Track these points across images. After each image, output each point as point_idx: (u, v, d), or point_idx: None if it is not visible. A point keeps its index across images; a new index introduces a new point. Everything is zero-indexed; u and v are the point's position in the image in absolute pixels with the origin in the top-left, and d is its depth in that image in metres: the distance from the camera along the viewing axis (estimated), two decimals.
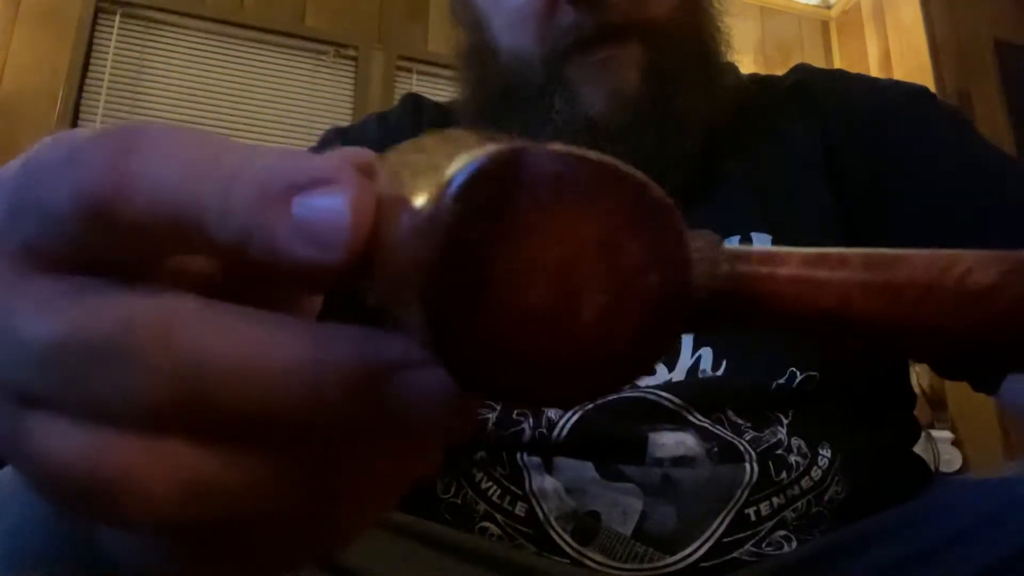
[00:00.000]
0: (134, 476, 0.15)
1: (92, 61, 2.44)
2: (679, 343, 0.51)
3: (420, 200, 0.14)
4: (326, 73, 2.69)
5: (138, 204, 0.15)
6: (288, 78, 2.64)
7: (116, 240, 0.16)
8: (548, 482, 0.49)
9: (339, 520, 0.18)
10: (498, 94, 0.57)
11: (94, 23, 2.46)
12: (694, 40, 0.56)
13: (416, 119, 0.65)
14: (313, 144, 0.65)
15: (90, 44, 2.44)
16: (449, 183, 0.13)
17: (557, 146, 0.14)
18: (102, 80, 2.43)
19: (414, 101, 0.67)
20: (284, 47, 2.67)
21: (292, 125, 2.57)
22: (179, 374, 0.14)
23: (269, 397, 0.15)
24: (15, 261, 0.16)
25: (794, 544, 0.47)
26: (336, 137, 0.65)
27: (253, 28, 2.63)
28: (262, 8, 2.65)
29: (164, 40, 2.55)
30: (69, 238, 0.16)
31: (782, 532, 0.47)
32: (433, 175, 0.14)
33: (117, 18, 2.49)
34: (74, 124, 2.35)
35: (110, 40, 2.47)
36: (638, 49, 0.52)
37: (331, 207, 0.15)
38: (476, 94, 0.60)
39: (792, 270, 0.16)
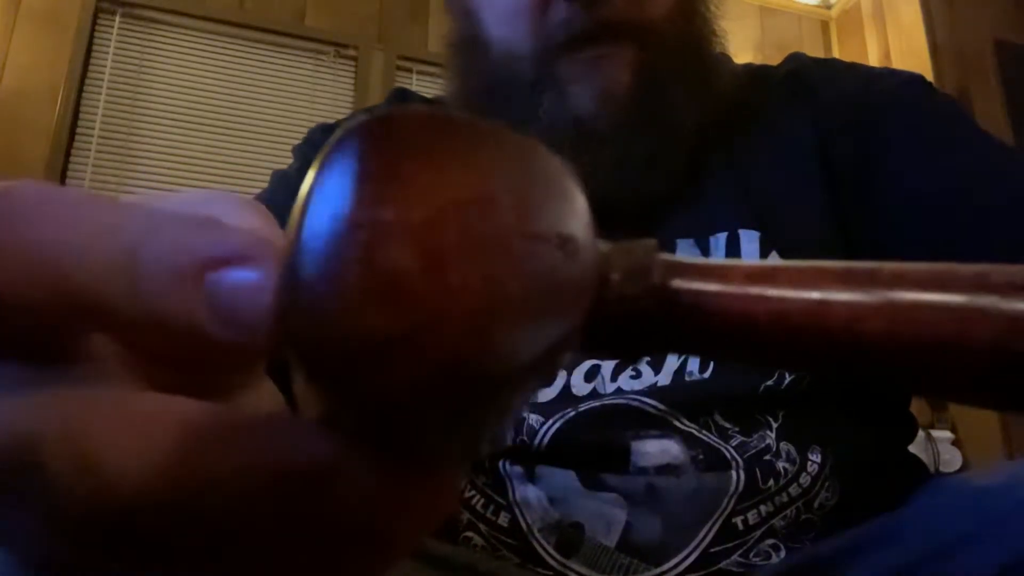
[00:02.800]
0: None
1: (92, 61, 2.44)
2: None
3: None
4: (326, 73, 2.69)
5: (17, 286, 0.14)
6: (288, 78, 2.64)
7: (7, 325, 0.14)
8: (531, 491, 0.48)
9: None
10: (486, 88, 0.56)
11: (94, 23, 2.46)
12: (689, 42, 0.56)
13: None
14: (301, 143, 0.64)
15: (90, 44, 2.44)
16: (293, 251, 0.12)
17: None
18: (102, 80, 2.43)
19: (400, 96, 0.67)
20: (284, 47, 2.66)
21: (292, 125, 2.56)
22: (91, 491, 0.13)
23: (185, 509, 0.13)
24: None
25: (783, 553, 0.47)
26: (322, 135, 0.64)
27: (253, 28, 2.62)
28: (262, 8, 2.65)
29: (164, 40, 2.55)
30: None
31: (770, 541, 0.47)
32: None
33: (117, 18, 2.49)
34: (74, 124, 2.35)
35: (110, 40, 2.47)
36: (631, 49, 0.52)
37: (244, 286, 0.14)
38: (464, 87, 0.60)
39: (736, 287, 0.14)
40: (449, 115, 0.13)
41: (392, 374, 0.11)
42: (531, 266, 0.12)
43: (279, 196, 0.57)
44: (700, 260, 0.15)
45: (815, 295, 0.14)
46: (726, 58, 0.61)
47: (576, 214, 0.13)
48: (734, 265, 0.15)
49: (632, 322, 0.14)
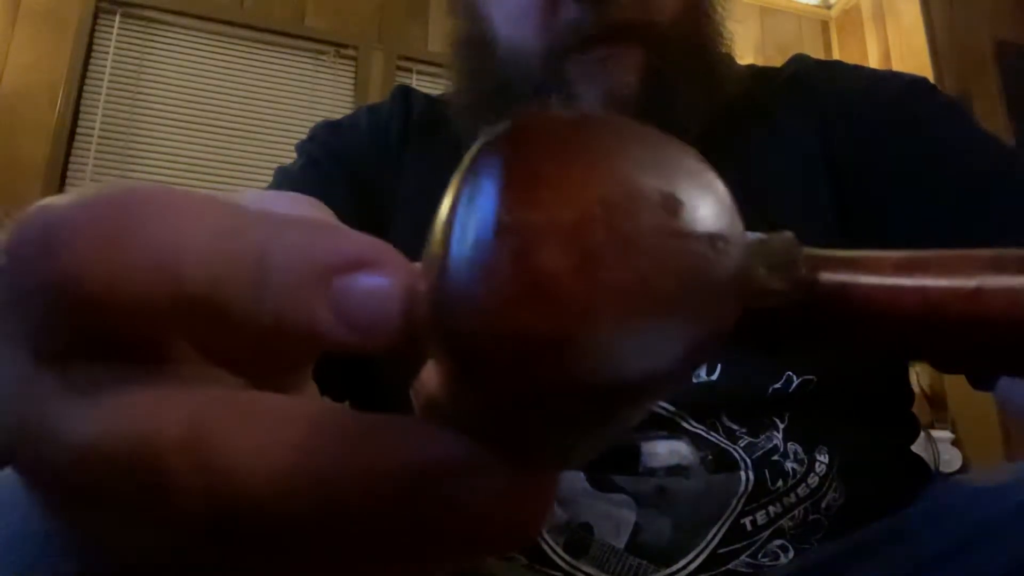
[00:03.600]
0: None
1: (92, 61, 2.44)
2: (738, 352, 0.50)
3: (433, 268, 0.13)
4: (326, 73, 2.69)
5: (139, 290, 0.13)
6: (288, 78, 2.64)
7: (122, 327, 0.14)
8: None
9: None
10: (493, 88, 0.56)
11: (94, 23, 2.45)
12: (696, 45, 0.55)
13: (406, 111, 0.64)
14: (305, 140, 0.64)
15: (90, 44, 2.44)
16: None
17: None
18: (102, 80, 2.43)
19: (404, 93, 0.66)
20: (284, 47, 2.66)
21: (292, 125, 2.56)
22: (211, 492, 0.13)
23: (309, 509, 0.13)
24: (26, 351, 0.14)
25: (791, 554, 0.47)
26: (327, 132, 0.64)
27: (253, 28, 2.62)
28: (262, 8, 2.65)
29: (164, 40, 2.55)
30: (69, 328, 0.14)
31: (779, 542, 0.47)
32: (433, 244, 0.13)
33: (117, 18, 2.49)
34: (74, 124, 2.35)
35: (110, 40, 2.47)
36: (639, 51, 0.52)
37: (373, 291, 0.14)
38: (470, 87, 0.59)
39: (885, 277, 0.14)
40: (589, 114, 0.13)
41: (546, 372, 0.12)
42: (683, 264, 0.12)
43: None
44: (844, 252, 0.15)
45: (971, 283, 0.14)
46: (731, 59, 0.61)
47: (723, 209, 0.13)
48: (881, 256, 0.15)
49: (777, 317, 0.14)
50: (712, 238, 0.12)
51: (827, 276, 0.14)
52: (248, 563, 0.14)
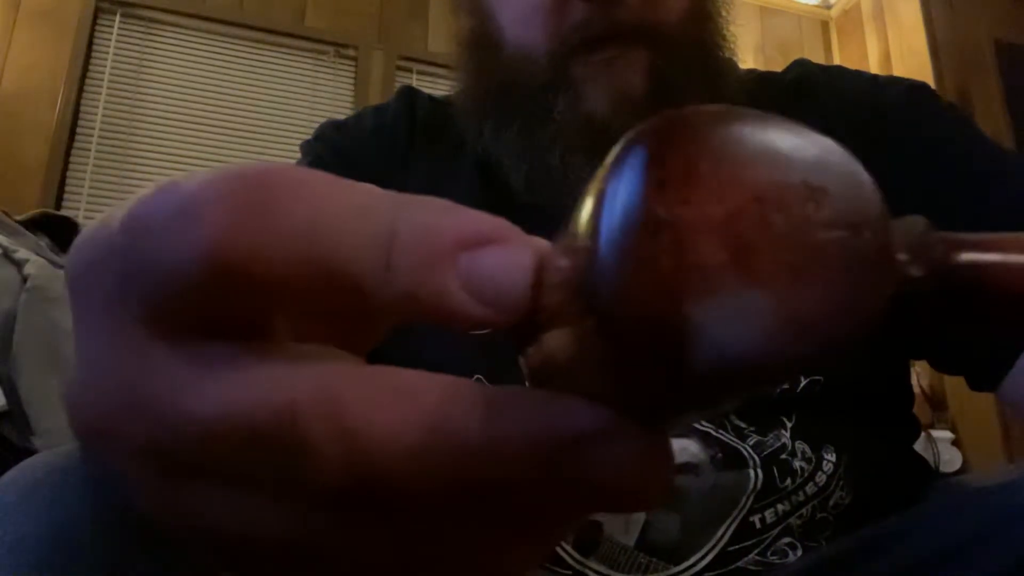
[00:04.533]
0: (315, 551, 0.14)
1: (92, 61, 2.44)
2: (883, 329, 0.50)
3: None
4: (326, 73, 2.69)
5: (276, 264, 0.14)
6: (288, 78, 2.64)
7: (250, 301, 0.14)
8: None
9: None
10: (499, 88, 0.56)
11: (94, 23, 2.45)
12: (702, 47, 0.56)
13: (411, 112, 0.64)
14: (311, 139, 0.64)
15: (90, 44, 2.44)
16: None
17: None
18: (102, 80, 2.43)
19: (409, 94, 0.66)
20: (284, 47, 2.66)
21: (292, 125, 2.56)
22: (350, 460, 0.13)
23: (445, 477, 0.13)
24: (135, 326, 0.15)
25: (799, 552, 0.47)
26: (332, 131, 0.64)
27: (253, 28, 2.62)
28: (262, 8, 2.65)
29: (164, 40, 2.55)
30: (195, 302, 0.14)
31: (787, 540, 0.47)
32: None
33: (117, 18, 2.49)
34: (74, 124, 2.35)
35: (110, 40, 2.47)
36: (645, 53, 0.52)
37: (504, 266, 0.14)
38: (476, 86, 0.59)
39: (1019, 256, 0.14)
40: (734, 110, 0.13)
41: (698, 357, 0.12)
42: (833, 255, 0.13)
43: None
44: (979, 234, 0.15)
45: None
46: (734, 64, 0.61)
47: (869, 200, 0.13)
48: (1016, 236, 0.15)
49: (916, 301, 0.14)
50: (857, 227, 0.13)
51: (963, 257, 0.14)
52: (374, 538, 0.14)
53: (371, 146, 0.62)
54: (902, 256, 0.14)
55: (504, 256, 0.14)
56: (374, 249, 0.14)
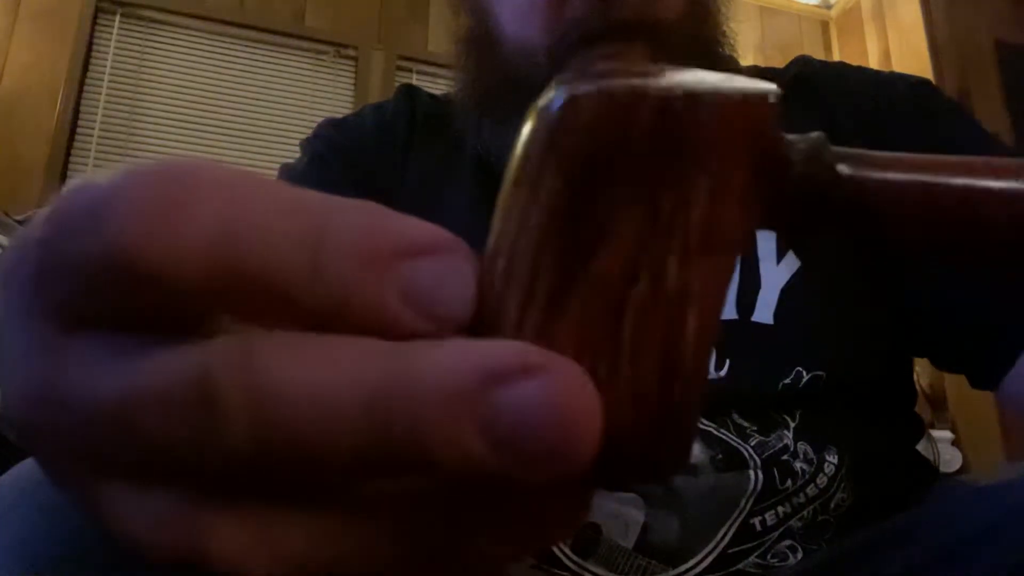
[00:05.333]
0: (216, 550, 0.13)
1: (92, 61, 2.44)
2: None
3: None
4: (326, 73, 2.69)
5: (187, 265, 0.13)
6: (288, 78, 2.64)
7: (164, 300, 0.14)
8: None
9: None
10: (498, 85, 0.56)
11: (94, 23, 2.45)
12: (701, 44, 0.55)
13: (410, 112, 0.64)
14: (311, 137, 0.64)
15: (90, 44, 2.44)
16: None
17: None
18: (102, 80, 2.43)
19: (409, 92, 0.66)
20: (284, 47, 2.66)
21: (292, 125, 2.56)
22: (259, 419, 0.13)
23: (362, 434, 0.13)
24: (49, 322, 0.14)
25: (800, 555, 0.47)
26: (332, 129, 0.64)
27: (253, 28, 2.62)
28: (262, 8, 2.65)
29: (164, 40, 2.55)
30: (107, 300, 0.14)
31: (788, 542, 0.47)
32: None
33: (117, 18, 2.49)
34: (74, 124, 2.35)
35: (110, 40, 2.47)
36: (643, 49, 0.51)
37: (445, 277, 0.14)
38: (475, 84, 0.59)
39: (909, 174, 0.16)
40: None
41: None
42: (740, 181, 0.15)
43: None
44: (874, 153, 0.16)
45: (970, 182, 0.16)
46: (734, 60, 0.61)
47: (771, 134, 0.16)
48: (908, 157, 0.16)
49: (809, 199, 0.16)
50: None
51: (850, 169, 0.16)
52: (305, 501, 0.14)
53: (371, 144, 0.62)
54: (794, 157, 0.15)
55: (445, 266, 0.14)
56: (298, 252, 0.13)
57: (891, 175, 0.16)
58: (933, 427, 2.48)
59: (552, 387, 0.13)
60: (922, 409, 2.48)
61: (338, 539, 0.14)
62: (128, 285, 0.13)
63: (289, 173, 0.60)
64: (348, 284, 0.13)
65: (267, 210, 0.14)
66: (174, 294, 0.13)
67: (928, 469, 0.56)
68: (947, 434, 2.49)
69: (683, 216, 0.14)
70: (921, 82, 0.58)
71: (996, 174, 0.16)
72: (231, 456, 0.13)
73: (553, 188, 0.14)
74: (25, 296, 0.15)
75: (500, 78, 0.56)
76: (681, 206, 0.14)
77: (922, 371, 2.36)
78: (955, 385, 2.50)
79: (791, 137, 0.16)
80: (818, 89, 0.59)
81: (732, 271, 0.15)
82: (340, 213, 0.14)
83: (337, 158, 0.60)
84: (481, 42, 0.58)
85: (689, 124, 0.14)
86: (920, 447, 0.56)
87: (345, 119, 0.66)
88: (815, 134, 0.16)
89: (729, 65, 0.59)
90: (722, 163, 0.14)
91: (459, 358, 0.13)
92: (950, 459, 2.45)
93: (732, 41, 0.59)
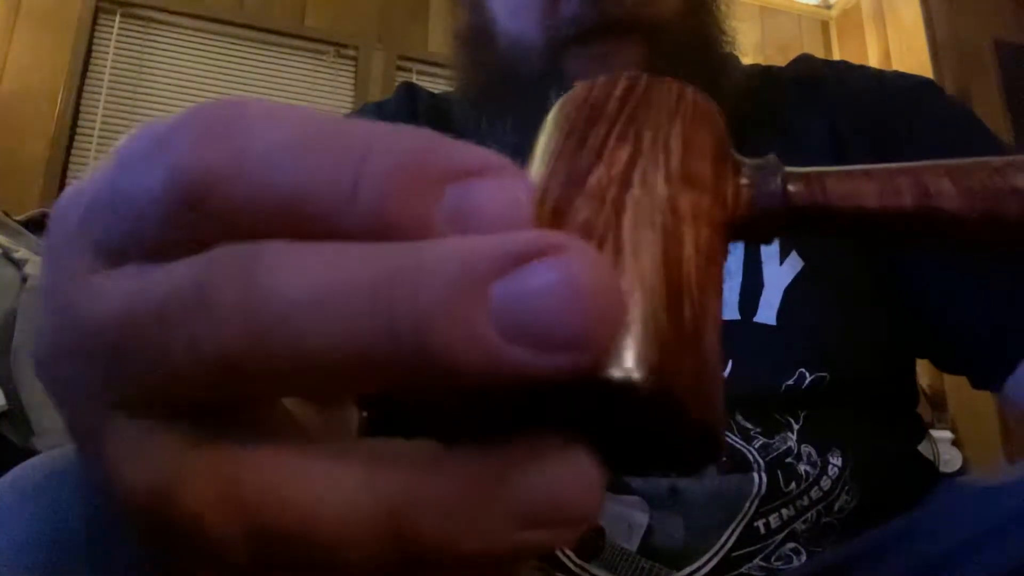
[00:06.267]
0: (182, 496, 0.13)
1: (92, 61, 2.44)
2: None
3: None
4: (326, 73, 2.69)
5: (240, 187, 0.13)
6: (288, 78, 2.64)
7: (209, 228, 0.13)
8: None
9: None
10: (494, 80, 0.56)
11: (94, 23, 2.45)
12: (699, 42, 0.55)
13: (411, 108, 0.64)
14: None
15: (90, 44, 2.44)
16: None
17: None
18: (102, 80, 2.43)
19: (409, 90, 0.66)
20: (284, 47, 2.66)
21: None
22: (257, 315, 0.12)
23: (371, 326, 0.12)
24: (86, 254, 0.15)
25: (803, 557, 0.47)
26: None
27: (253, 28, 2.62)
28: (262, 8, 2.65)
29: (164, 40, 2.55)
30: (154, 229, 0.14)
31: (791, 545, 0.47)
32: None
33: (117, 18, 2.49)
34: (74, 124, 2.35)
35: (110, 40, 2.47)
36: (639, 47, 0.51)
37: (498, 201, 0.13)
38: (472, 79, 0.59)
39: (834, 185, 0.18)
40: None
41: None
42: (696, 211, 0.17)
43: None
44: (822, 169, 0.19)
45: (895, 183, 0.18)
46: (735, 58, 0.60)
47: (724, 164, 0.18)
48: (827, 171, 0.19)
49: (764, 220, 0.18)
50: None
51: (797, 187, 0.18)
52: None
53: None
54: (743, 180, 0.18)
55: (498, 190, 0.13)
56: (341, 170, 0.13)
57: (843, 190, 0.18)
58: (933, 427, 2.48)
59: (575, 265, 0.12)
60: (922, 409, 2.47)
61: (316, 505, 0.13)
62: (181, 210, 0.13)
63: None
64: (391, 205, 0.13)
65: (315, 135, 0.13)
66: (224, 219, 0.13)
67: (930, 470, 0.55)
68: (947, 434, 2.49)
69: (663, 152, 0.16)
70: (924, 82, 0.58)
71: (951, 176, 0.18)
72: (225, 364, 0.12)
73: (561, 134, 0.17)
74: (69, 234, 0.15)
75: (495, 73, 0.56)
76: (660, 144, 0.17)
77: (922, 371, 2.35)
78: (955, 385, 2.50)
79: (747, 161, 0.18)
80: (820, 88, 0.59)
81: (716, 220, 0.16)
82: (387, 135, 0.14)
83: None
84: (477, 38, 0.58)
85: (654, 93, 0.19)
86: (920, 447, 0.56)
87: (348, 114, 0.66)
88: (769, 157, 0.18)
89: (728, 63, 0.58)
90: (686, 125, 0.18)
91: (471, 244, 0.12)
92: (950, 459, 2.45)
93: (732, 39, 0.59)
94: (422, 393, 0.14)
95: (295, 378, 0.13)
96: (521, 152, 0.62)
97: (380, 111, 0.65)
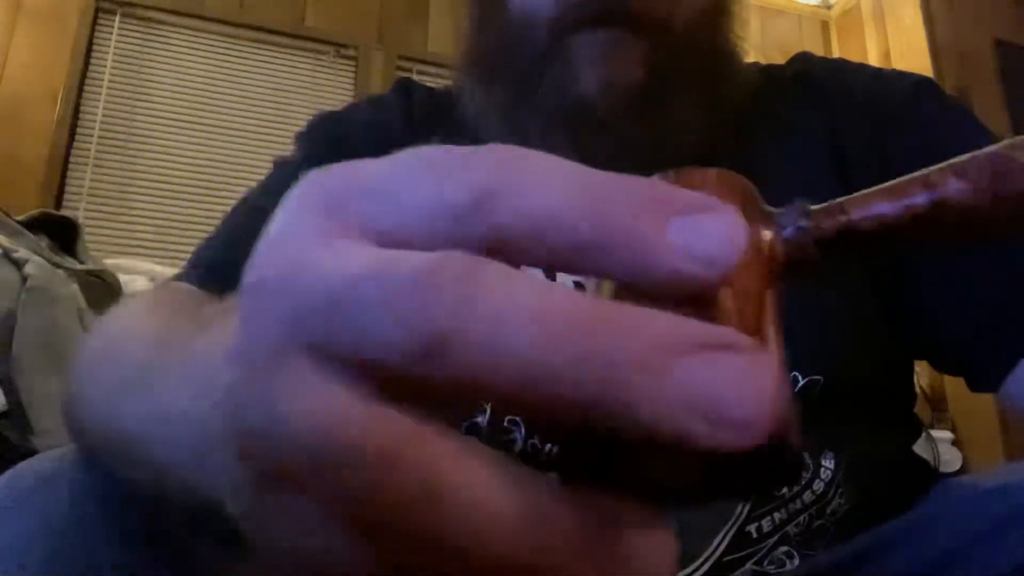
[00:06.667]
0: (359, 443, 0.14)
1: (92, 61, 2.44)
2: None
3: None
4: (326, 73, 2.69)
5: (474, 353, 0.14)
6: (288, 78, 2.64)
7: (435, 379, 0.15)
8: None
9: None
10: (495, 47, 0.55)
11: (94, 23, 2.45)
12: (707, 48, 0.54)
13: (407, 103, 0.63)
14: (304, 131, 0.63)
15: (90, 44, 2.44)
16: None
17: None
18: (102, 80, 2.43)
19: (405, 85, 0.65)
20: (284, 47, 2.66)
21: (292, 125, 2.56)
22: (476, 312, 0.14)
23: (576, 359, 0.14)
24: (294, 348, 0.16)
25: (796, 561, 0.46)
26: (326, 125, 0.63)
27: (253, 28, 2.62)
28: (262, 8, 2.65)
29: (164, 40, 2.55)
30: (382, 363, 0.15)
31: (784, 548, 0.47)
32: None
33: (117, 18, 2.49)
34: (74, 124, 2.35)
35: (110, 40, 2.47)
36: (648, 43, 0.50)
37: (721, 228, 0.15)
38: (474, 47, 0.58)
39: (853, 206, 0.20)
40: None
41: None
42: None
43: (282, 187, 0.56)
44: (834, 201, 0.20)
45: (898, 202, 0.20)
46: (741, 62, 0.59)
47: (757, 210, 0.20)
48: (864, 195, 0.20)
49: (801, 253, 0.20)
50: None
51: (828, 222, 0.20)
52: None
53: (366, 139, 0.60)
54: (776, 231, 0.19)
55: (718, 221, 0.15)
56: (582, 200, 0.15)
57: (862, 208, 0.20)
58: (933, 427, 2.48)
59: (757, 366, 0.14)
60: (922, 409, 2.48)
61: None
62: (416, 358, 0.14)
63: (284, 169, 0.60)
64: (624, 231, 0.15)
65: (560, 316, 0.14)
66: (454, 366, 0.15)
67: (925, 469, 0.55)
68: (947, 434, 2.49)
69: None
70: (923, 81, 0.57)
71: (957, 175, 0.19)
72: (435, 345, 0.14)
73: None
74: (274, 319, 0.16)
75: (498, 41, 0.55)
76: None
77: (922, 371, 2.36)
78: (955, 385, 2.50)
79: (773, 211, 0.20)
80: (819, 86, 0.58)
81: (771, 275, 0.19)
82: (619, 178, 0.16)
83: (333, 159, 0.59)
84: (486, 3, 0.57)
85: (682, 180, 0.20)
86: (919, 447, 0.56)
87: (340, 113, 0.65)
88: (794, 202, 0.20)
89: (735, 70, 0.58)
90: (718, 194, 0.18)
91: (676, 322, 0.14)
92: (950, 459, 2.45)
93: (743, 43, 0.58)
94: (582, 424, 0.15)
95: (500, 380, 0.14)
96: (504, 122, 0.60)
97: (374, 107, 0.64)
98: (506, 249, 0.16)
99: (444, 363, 0.14)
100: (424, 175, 0.16)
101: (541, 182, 0.16)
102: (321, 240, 0.16)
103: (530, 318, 0.14)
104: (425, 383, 0.14)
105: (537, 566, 0.14)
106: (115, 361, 0.34)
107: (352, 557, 0.15)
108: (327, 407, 0.15)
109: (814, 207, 0.20)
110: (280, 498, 0.16)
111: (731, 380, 0.14)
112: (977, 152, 0.20)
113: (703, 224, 0.15)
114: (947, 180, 0.19)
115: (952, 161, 0.20)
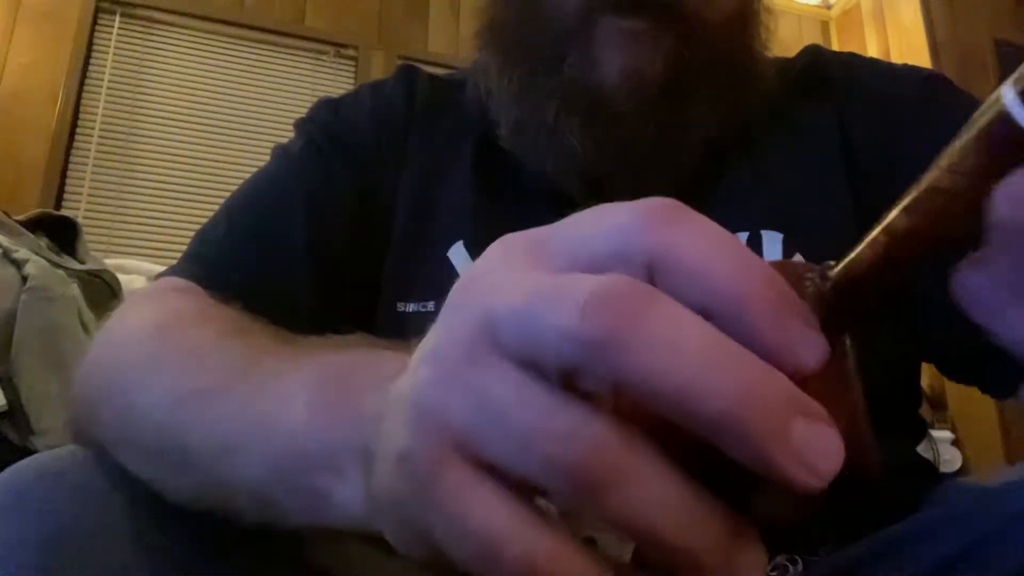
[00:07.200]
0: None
1: (92, 61, 2.44)
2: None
3: None
4: (326, 73, 2.69)
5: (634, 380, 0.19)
6: (288, 78, 2.64)
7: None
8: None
9: None
10: (520, 25, 0.54)
11: (94, 23, 2.45)
12: (733, 47, 0.54)
13: (409, 90, 0.62)
14: (304, 118, 0.62)
15: (90, 44, 2.44)
16: None
17: None
18: (102, 80, 2.43)
19: (408, 72, 0.64)
20: (284, 47, 2.66)
21: (292, 125, 2.56)
22: (651, 348, 0.18)
23: (725, 407, 0.18)
24: (492, 350, 0.21)
25: (799, 566, 0.46)
26: (328, 112, 0.62)
27: (253, 28, 2.62)
28: (262, 8, 2.65)
29: (164, 40, 2.55)
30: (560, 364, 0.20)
31: (786, 554, 0.47)
32: None
33: (117, 18, 2.49)
34: (74, 124, 2.35)
35: (110, 40, 2.47)
36: (674, 36, 0.50)
37: (827, 441, 0.19)
38: (497, 20, 0.57)
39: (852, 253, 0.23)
40: None
41: None
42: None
43: (284, 178, 0.57)
44: (833, 262, 0.23)
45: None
46: (764, 60, 0.58)
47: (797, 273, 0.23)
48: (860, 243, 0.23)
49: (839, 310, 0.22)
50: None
51: (831, 275, 0.23)
52: None
53: (368, 126, 0.60)
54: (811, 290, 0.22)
55: (830, 437, 0.19)
56: (722, 400, 0.18)
57: (862, 252, 0.23)
58: (933, 427, 2.48)
59: (836, 436, 0.19)
60: (922, 409, 2.47)
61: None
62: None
63: (284, 157, 0.59)
64: (760, 420, 0.18)
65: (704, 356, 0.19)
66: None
67: (928, 471, 0.55)
68: (947, 434, 2.48)
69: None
70: (935, 76, 0.57)
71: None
72: (608, 337, 0.18)
73: None
74: (473, 323, 0.21)
75: (524, 16, 0.54)
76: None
77: (922, 371, 2.35)
78: (955, 385, 2.49)
79: (813, 267, 0.23)
80: (828, 80, 0.58)
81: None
82: (760, 364, 0.19)
83: (333, 144, 0.58)
84: None
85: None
86: (920, 448, 0.56)
87: (342, 100, 0.64)
88: (797, 263, 0.23)
89: (756, 68, 0.56)
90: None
91: (795, 389, 0.19)
92: (950, 459, 2.44)
93: (766, 48, 0.57)
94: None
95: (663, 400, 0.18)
96: (520, 104, 0.60)
97: (377, 94, 0.62)
98: (641, 404, 0.19)
99: (616, 358, 0.18)
100: (545, 451, 0.20)
101: (677, 331, 0.19)
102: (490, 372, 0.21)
103: (697, 336, 0.18)
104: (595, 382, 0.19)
105: (693, 550, 0.19)
106: (181, 372, 0.35)
107: None
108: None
109: (820, 266, 0.23)
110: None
111: (824, 444, 0.18)
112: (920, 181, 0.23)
113: (819, 436, 0.18)
114: (917, 198, 0.24)
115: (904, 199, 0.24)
